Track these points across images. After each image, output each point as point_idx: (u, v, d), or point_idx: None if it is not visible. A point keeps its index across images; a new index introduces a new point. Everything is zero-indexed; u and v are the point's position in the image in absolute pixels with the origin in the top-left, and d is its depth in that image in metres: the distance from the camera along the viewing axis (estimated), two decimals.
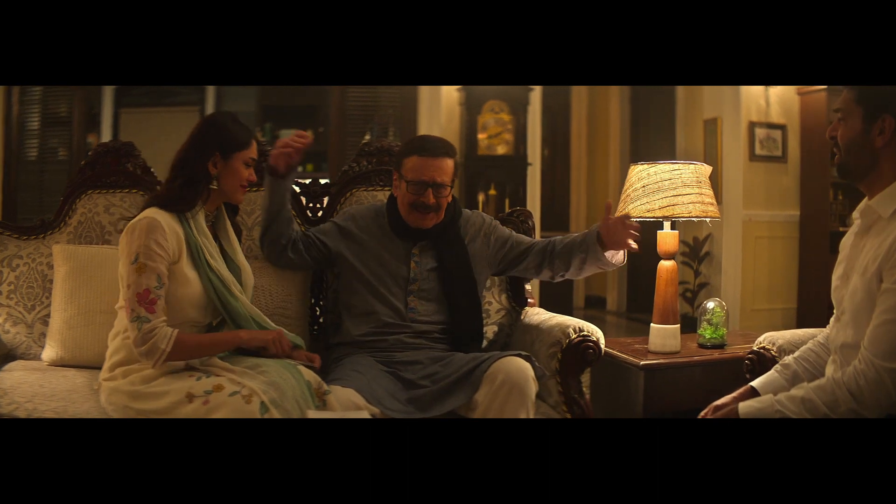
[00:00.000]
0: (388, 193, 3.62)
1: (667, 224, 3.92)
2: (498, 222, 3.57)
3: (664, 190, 3.74)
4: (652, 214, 3.76)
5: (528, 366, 2.98)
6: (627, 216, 3.25)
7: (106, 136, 8.00)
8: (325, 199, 3.91)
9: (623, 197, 3.93)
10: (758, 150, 7.71)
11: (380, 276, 3.32)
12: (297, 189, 3.85)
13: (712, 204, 3.82)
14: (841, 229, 7.53)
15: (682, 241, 7.50)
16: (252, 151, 3.02)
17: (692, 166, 3.82)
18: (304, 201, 3.87)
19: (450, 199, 3.36)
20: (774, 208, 7.81)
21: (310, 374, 2.82)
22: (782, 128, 7.82)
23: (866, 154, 2.38)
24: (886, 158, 2.37)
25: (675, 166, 3.79)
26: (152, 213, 2.82)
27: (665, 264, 3.93)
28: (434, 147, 3.31)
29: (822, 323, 7.04)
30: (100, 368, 3.12)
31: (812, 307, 7.65)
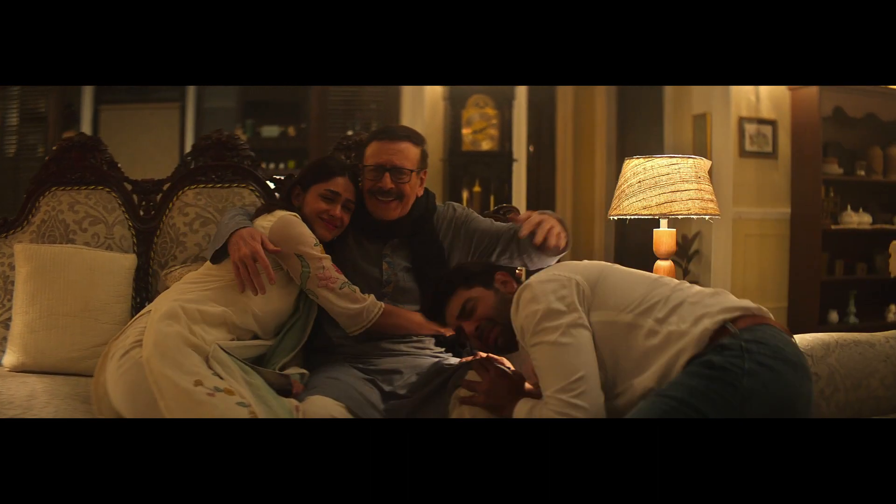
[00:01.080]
0: None
1: (663, 222, 3.73)
2: (471, 212, 3.33)
3: (661, 186, 3.54)
4: (648, 212, 3.56)
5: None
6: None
7: (85, 132, 7.65)
8: None
9: (617, 193, 3.72)
10: (748, 146, 7.50)
11: (353, 280, 3.08)
12: (272, 185, 3.69)
13: (712, 201, 3.62)
14: (833, 227, 7.43)
15: None
16: (332, 184, 3.05)
17: (691, 160, 3.62)
18: (277, 198, 3.62)
19: (420, 190, 3.19)
20: (765, 205, 7.61)
21: (291, 406, 2.66)
22: (773, 123, 7.61)
23: None
24: None
25: (673, 160, 3.60)
26: (288, 212, 3.02)
27: (662, 265, 3.73)
28: (393, 131, 3.18)
29: (813, 322, 6.92)
30: (64, 374, 3.14)
31: (803, 307, 7.47)
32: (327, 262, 2.93)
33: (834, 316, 7.50)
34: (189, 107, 7.95)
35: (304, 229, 2.95)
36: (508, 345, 2.64)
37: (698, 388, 2.11)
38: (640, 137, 8.87)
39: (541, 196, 9.77)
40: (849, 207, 7.61)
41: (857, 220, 7.59)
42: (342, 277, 2.95)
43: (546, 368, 2.33)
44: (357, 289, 2.96)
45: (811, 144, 7.43)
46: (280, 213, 2.98)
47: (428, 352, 3.12)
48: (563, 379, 2.27)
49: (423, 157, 3.17)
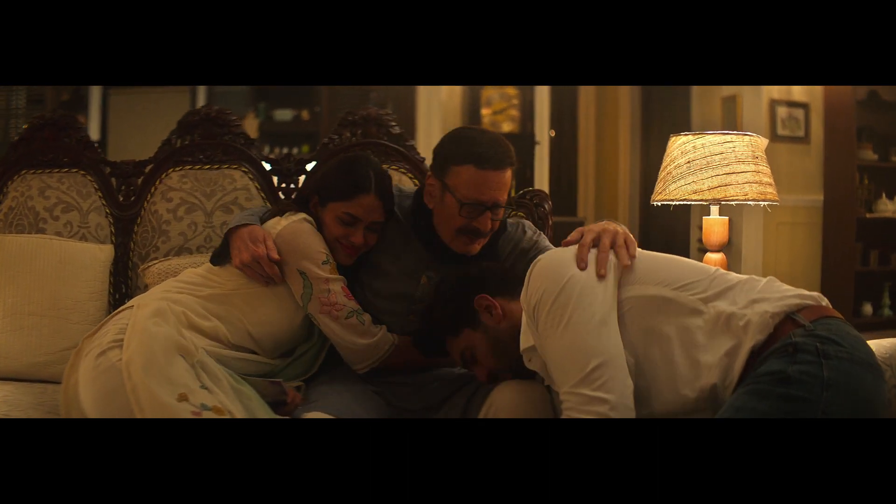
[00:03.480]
0: None
1: (714, 209, 3.27)
2: (541, 237, 2.72)
3: (714, 167, 3.07)
4: (700, 197, 3.09)
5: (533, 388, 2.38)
6: None
7: (94, 117, 7.74)
8: (301, 179, 3.29)
9: (662, 175, 3.26)
10: (779, 130, 7.09)
11: (377, 290, 2.62)
12: (268, 166, 3.28)
13: (771, 184, 3.17)
14: (868, 215, 7.08)
15: (698, 227, 6.77)
16: (353, 206, 2.54)
17: (747, 138, 3.16)
18: (275, 181, 3.25)
19: None
20: (797, 192, 7.17)
21: None
22: (805, 106, 7.19)
23: None
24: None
25: (727, 138, 3.13)
26: (303, 216, 2.60)
27: (712, 258, 3.26)
28: (496, 155, 2.45)
29: (846, 315, 6.63)
30: (29, 381, 2.86)
31: (836, 297, 6.90)
32: (336, 284, 2.50)
33: (868, 308, 7.17)
34: (200, 91, 7.85)
35: (314, 241, 2.53)
36: (527, 374, 2.30)
37: (771, 412, 1.82)
38: (666, 120, 8.53)
39: (562, 180, 9.43)
40: (883, 195, 7.27)
41: (893, 208, 7.25)
42: (351, 304, 2.50)
43: (561, 357, 2.02)
44: (368, 319, 2.51)
45: (845, 129, 7.05)
46: (292, 217, 2.58)
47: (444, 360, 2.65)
48: (580, 369, 1.96)
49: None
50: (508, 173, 2.46)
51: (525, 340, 2.18)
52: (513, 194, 3.38)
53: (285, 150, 7.47)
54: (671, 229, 7.65)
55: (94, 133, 7.45)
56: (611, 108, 9.56)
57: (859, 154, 7.04)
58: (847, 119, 6.98)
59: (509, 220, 2.71)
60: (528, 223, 2.74)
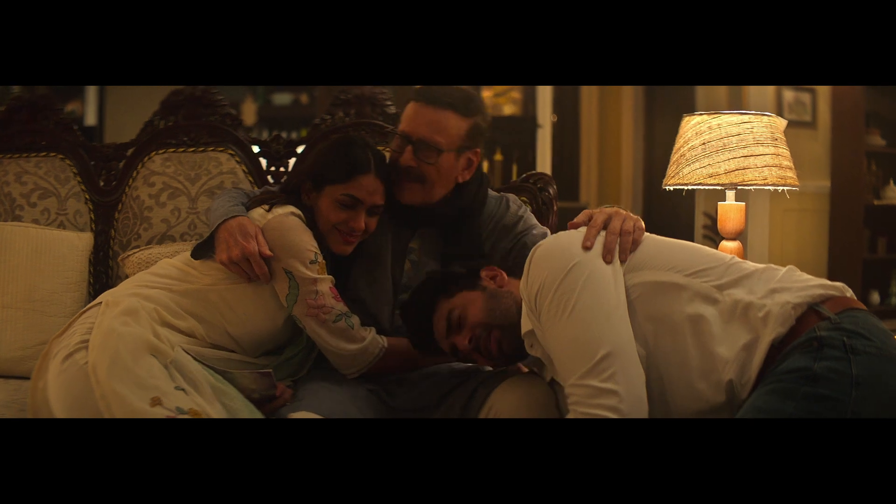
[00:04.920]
0: None
1: (730, 194, 3.09)
2: (528, 215, 2.59)
3: (731, 149, 2.90)
4: (716, 181, 2.92)
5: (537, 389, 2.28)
6: None
7: (91, 102, 7.49)
8: (291, 162, 3.14)
9: (675, 158, 3.08)
10: (786, 115, 6.85)
11: (366, 279, 2.50)
12: (256, 149, 3.14)
13: (791, 168, 3.00)
14: (875, 202, 6.95)
15: (704, 213, 6.85)
16: (353, 187, 2.35)
17: (765, 118, 2.98)
18: (264, 164, 3.10)
19: (466, 174, 2.46)
20: (804, 178, 6.84)
21: None
22: (812, 91, 7.06)
23: None
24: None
25: (745, 118, 2.95)
26: (291, 209, 2.40)
27: (728, 246, 3.10)
28: (437, 93, 2.41)
29: None
30: (2, 377, 2.75)
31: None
32: (324, 285, 2.33)
33: (875, 296, 7.02)
34: None
35: (303, 239, 2.34)
36: (514, 348, 2.16)
37: (798, 413, 1.70)
38: (670, 104, 8.29)
39: (563, 164, 9.28)
40: (891, 182, 7.12)
41: None
42: (339, 307, 2.34)
43: (566, 348, 1.90)
44: (356, 322, 2.35)
45: (852, 114, 6.91)
46: (278, 211, 2.39)
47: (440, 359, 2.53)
48: (587, 360, 1.83)
49: (474, 133, 2.43)
50: (447, 115, 2.40)
51: (525, 324, 2.05)
52: (514, 178, 3.22)
53: (284, 134, 7.29)
54: (675, 216, 7.53)
55: (90, 118, 7.29)
56: (614, 90, 9.41)
57: (867, 140, 6.91)
58: (855, 104, 6.85)
59: (492, 194, 2.57)
60: (512, 197, 2.60)
